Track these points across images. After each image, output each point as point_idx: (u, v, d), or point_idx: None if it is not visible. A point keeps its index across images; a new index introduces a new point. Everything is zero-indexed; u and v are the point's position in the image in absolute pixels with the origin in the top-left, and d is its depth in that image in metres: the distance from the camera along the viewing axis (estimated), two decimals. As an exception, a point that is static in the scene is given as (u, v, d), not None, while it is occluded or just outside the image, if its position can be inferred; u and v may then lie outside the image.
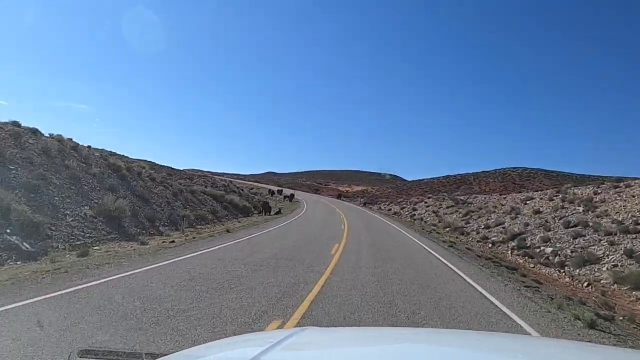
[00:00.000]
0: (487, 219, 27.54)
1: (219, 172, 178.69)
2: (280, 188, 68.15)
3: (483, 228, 25.73)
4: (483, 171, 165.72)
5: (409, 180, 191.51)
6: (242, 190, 53.25)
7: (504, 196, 34.64)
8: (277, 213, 32.42)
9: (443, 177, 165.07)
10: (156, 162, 63.62)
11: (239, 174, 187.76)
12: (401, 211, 44.60)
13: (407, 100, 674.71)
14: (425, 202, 43.15)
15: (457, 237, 24.17)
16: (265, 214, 31.49)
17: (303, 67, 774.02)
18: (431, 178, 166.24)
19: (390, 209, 49.57)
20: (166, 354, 1.57)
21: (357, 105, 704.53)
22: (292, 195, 56.52)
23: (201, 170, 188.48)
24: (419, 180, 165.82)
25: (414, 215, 40.08)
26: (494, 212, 29.02)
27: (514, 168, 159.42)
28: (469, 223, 28.72)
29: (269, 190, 63.47)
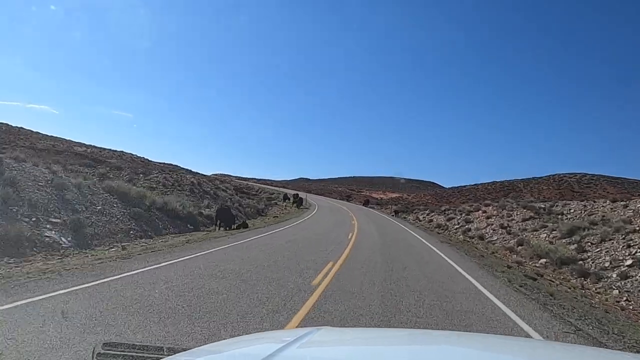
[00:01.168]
0: (626, 243, 14.23)
1: (245, 176, 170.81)
2: (296, 192, 56.68)
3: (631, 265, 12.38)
4: (533, 177, 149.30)
5: (448, 187, 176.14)
6: (249, 193, 47.86)
7: (622, 203, 20.73)
8: (240, 227, 19.94)
9: (489, 183, 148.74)
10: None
11: (269, 179, 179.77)
12: (448, 224, 31.18)
13: (446, 105, 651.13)
14: (484, 212, 29.57)
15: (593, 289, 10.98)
16: (220, 228, 19.20)
17: (342, 72, 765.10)
18: (473, 184, 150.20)
19: (431, 220, 36.11)
20: (186, 348, 1.70)
21: (393, 111, 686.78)
22: (301, 200, 44.87)
23: (229, 175, 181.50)
24: (460, 187, 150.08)
25: (469, 230, 26.69)
26: (625, 230, 15.61)
27: (571, 174, 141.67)
28: (587, 251, 15.36)
29: (284, 195, 54.36)
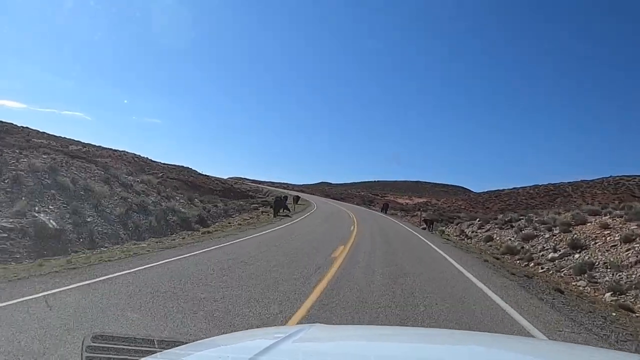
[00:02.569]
0: None
1: (263, 180, 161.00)
2: (285, 195, 43.08)
3: None
4: (582, 180, 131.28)
5: (478, 192, 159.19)
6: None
7: None
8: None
9: (530, 187, 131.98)
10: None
11: (287, 183, 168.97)
12: (528, 247, 17.11)
13: (477, 103, 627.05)
14: (605, 227, 15.38)
15: None
16: None
17: (365, 74, 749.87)
18: (512, 188, 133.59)
19: (490, 238, 21.98)
20: (177, 341, 1.73)
21: (416, 113, 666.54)
22: (281, 204, 30.30)
23: (243, 178, 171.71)
24: (496, 191, 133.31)
25: (593, 267, 12.65)
26: None
27: (630, 176, 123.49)
28: None
29: (283, 196, 39.37)
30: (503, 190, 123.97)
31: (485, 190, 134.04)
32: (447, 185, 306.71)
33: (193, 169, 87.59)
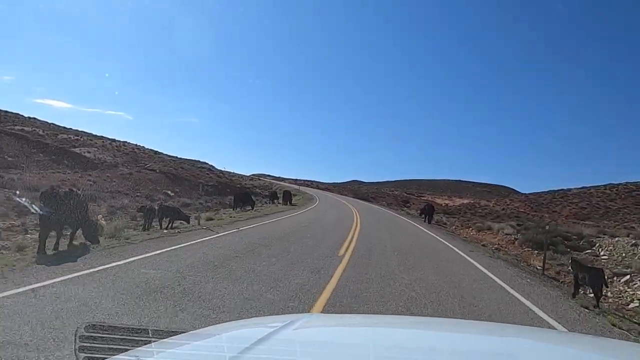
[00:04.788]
0: None
1: (287, 177, 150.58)
2: (274, 191, 40.35)
3: None
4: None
5: (526, 192, 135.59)
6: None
7: None
8: None
9: (604, 186, 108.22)
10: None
11: (313, 181, 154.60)
12: None
13: (526, 97, 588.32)
14: None
15: None
16: None
17: (407, 65, 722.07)
18: (580, 188, 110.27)
19: None
20: (172, 331, 1.66)
21: (459, 107, 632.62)
22: (242, 200, 25.54)
23: (266, 175, 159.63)
24: (559, 191, 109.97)
25: None
26: None
27: None
28: None
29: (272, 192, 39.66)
30: (570, 190, 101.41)
31: (537, 191, 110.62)
32: (490, 184, 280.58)
33: (209, 163, 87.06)
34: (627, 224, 68.37)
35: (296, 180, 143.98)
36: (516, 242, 19.62)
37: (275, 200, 35.36)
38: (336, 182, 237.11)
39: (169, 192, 43.96)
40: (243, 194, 28.04)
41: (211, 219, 18.01)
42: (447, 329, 2.09)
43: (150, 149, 78.58)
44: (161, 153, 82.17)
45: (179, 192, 44.04)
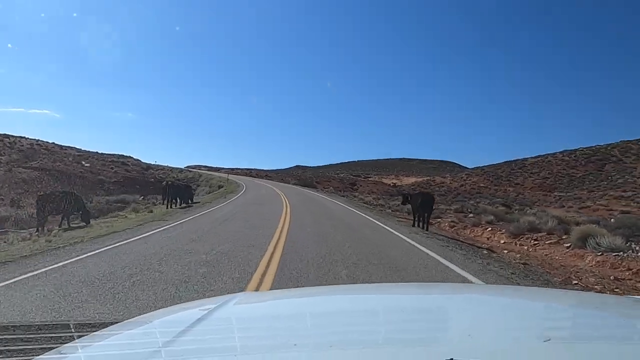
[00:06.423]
0: None
1: (224, 167, 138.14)
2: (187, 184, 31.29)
3: None
4: (623, 141, 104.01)
5: (471, 167, 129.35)
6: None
7: None
8: None
9: (567, 152, 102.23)
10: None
11: (260, 169, 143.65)
12: None
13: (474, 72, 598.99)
14: None
15: None
16: None
17: (337, 51, 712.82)
18: (536, 156, 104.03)
19: None
20: (94, 324, 1.60)
21: (392, 85, 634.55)
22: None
23: (201, 166, 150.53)
24: (514, 161, 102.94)
25: None
26: None
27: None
28: None
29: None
30: (526, 159, 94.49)
31: (483, 165, 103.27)
32: (435, 160, 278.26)
33: (135, 158, 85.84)
34: (603, 192, 61.39)
35: (234, 169, 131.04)
36: None
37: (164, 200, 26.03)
38: (279, 168, 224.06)
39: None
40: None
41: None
42: (383, 292, 2.14)
43: (59, 145, 72.16)
44: (73, 148, 74.89)
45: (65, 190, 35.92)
